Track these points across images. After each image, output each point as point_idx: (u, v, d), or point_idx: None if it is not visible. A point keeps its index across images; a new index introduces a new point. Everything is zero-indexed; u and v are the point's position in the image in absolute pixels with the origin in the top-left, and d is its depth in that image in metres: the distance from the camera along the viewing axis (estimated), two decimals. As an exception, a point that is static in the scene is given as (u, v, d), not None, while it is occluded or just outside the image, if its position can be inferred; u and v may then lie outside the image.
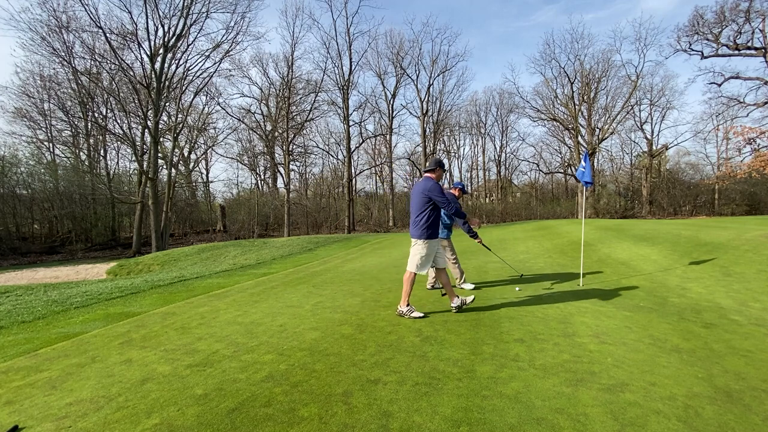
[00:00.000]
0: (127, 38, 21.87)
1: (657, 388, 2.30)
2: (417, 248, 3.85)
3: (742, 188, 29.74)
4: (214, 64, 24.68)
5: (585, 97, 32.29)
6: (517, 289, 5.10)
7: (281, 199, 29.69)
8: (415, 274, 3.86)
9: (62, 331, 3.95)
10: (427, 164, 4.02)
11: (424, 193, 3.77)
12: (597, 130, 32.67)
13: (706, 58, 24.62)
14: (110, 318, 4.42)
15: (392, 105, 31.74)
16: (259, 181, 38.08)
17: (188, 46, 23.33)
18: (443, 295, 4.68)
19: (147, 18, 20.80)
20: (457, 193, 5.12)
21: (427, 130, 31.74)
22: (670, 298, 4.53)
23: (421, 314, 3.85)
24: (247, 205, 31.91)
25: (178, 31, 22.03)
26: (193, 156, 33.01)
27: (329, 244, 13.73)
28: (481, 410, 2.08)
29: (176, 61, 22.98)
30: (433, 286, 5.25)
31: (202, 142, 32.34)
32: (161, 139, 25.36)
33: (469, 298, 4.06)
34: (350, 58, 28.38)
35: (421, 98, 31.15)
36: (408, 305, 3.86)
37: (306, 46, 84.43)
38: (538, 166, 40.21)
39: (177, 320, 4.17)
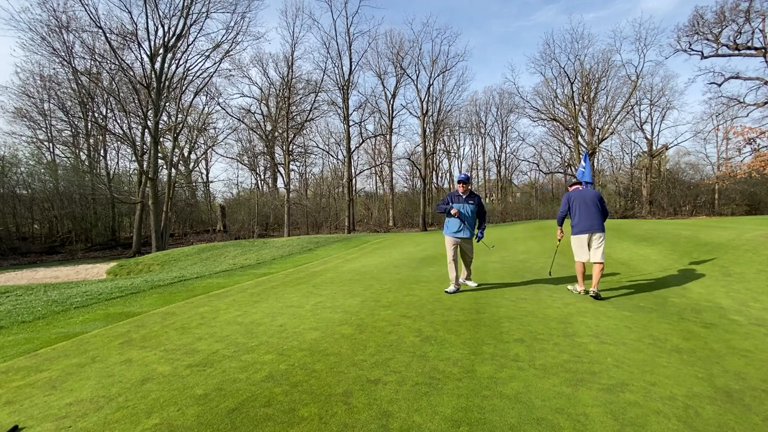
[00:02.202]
0: (127, 38, 21.89)
1: (657, 388, 2.30)
2: (603, 238, 4.61)
3: (742, 188, 29.72)
4: (214, 64, 24.72)
5: (585, 97, 32.28)
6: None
7: (281, 199, 29.69)
8: None
9: (62, 331, 3.95)
10: (574, 179, 5.35)
11: (598, 199, 4.77)
12: (597, 130, 32.67)
13: (706, 58, 24.62)
14: (110, 318, 4.42)
15: (392, 105, 31.72)
16: (259, 181, 38.12)
17: (188, 46, 23.36)
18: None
19: (147, 18, 20.83)
20: (462, 189, 5.07)
21: (427, 130, 31.71)
22: (670, 298, 4.53)
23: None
24: (247, 205, 31.92)
25: (178, 31, 22.04)
26: (193, 156, 33.05)
27: (329, 244, 13.73)
28: (481, 410, 2.08)
29: (176, 61, 23.00)
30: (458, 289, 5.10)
31: (202, 142, 32.40)
32: (161, 139, 25.37)
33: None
34: (350, 58, 28.36)
35: (421, 98, 31.09)
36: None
37: (306, 46, 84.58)
38: (538, 166, 40.23)
39: (177, 320, 4.17)
